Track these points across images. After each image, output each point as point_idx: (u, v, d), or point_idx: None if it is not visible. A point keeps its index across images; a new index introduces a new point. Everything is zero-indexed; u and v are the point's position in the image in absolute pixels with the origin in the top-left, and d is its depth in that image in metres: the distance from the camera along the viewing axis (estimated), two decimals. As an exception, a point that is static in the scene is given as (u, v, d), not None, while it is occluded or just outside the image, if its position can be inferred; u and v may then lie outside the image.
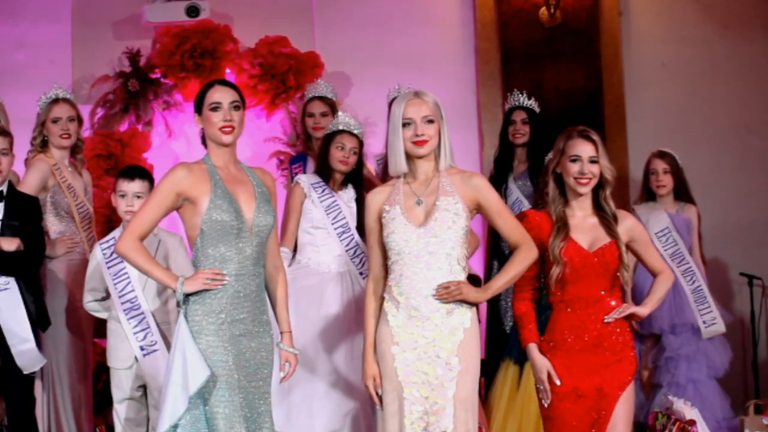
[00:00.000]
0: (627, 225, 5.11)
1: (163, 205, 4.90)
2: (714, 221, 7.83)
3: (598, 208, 5.09)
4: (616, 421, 5.00)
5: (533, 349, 5.08)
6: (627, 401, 5.03)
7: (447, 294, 4.84)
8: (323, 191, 6.57)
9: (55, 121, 6.78)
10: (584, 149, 5.04)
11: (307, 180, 6.60)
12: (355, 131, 6.65)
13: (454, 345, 4.88)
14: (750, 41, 8.86)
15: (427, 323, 4.87)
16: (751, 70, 8.86)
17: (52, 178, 6.67)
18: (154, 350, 6.01)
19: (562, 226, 5.05)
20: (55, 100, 6.82)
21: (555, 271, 5.02)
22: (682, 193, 7.45)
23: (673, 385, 7.22)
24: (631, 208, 7.24)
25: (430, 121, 4.94)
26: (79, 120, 6.92)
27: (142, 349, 6.02)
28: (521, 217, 5.15)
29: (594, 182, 5.05)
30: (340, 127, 6.65)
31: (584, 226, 5.07)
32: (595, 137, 5.07)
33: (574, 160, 5.05)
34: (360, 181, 6.69)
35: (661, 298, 5.21)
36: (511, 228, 5.01)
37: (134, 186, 6.02)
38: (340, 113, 6.83)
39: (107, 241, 6.14)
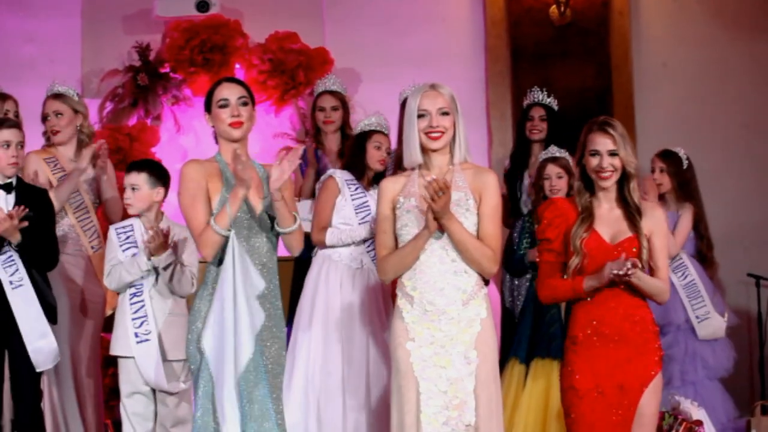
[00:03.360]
0: (653, 217, 5.02)
1: (204, 199, 4.91)
2: (721, 221, 7.82)
3: (624, 201, 5.01)
4: (644, 421, 4.94)
5: (588, 280, 4.90)
6: (653, 396, 4.95)
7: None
8: (356, 189, 6.58)
9: (44, 118, 6.82)
10: (603, 143, 4.94)
11: (341, 176, 6.61)
12: (386, 132, 6.71)
13: (472, 337, 4.89)
14: (758, 41, 8.86)
15: (443, 317, 4.88)
16: (759, 71, 8.85)
17: (43, 172, 6.68)
18: (146, 339, 6.03)
19: (587, 216, 4.97)
20: (47, 97, 6.85)
21: (573, 261, 4.94)
22: (680, 192, 7.39)
23: (671, 387, 7.20)
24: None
25: (446, 114, 4.94)
26: (75, 112, 6.86)
27: (136, 336, 6.04)
28: (549, 204, 5.12)
29: (616, 175, 4.96)
30: (378, 128, 6.68)
31: (609, 218, 4.98)
32: (615, 130, 4.96)
33: (593, 154, 4.97)
34: None
35: (647, 286, 4.93)
36: (491, 234, 4.96)
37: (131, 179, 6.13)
38: (374, 116, 6.85)
39: (123, 227, 6.21)
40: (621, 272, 4.78)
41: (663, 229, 5.05)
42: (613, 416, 4.92)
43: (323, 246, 6.54)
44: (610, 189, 4.99)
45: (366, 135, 6.67)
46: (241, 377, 4.84)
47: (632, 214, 4.97)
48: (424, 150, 4.97)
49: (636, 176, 4.99)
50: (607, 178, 4.95)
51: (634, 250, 4.92)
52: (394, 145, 7.88)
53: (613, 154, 4.94)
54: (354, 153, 6.69)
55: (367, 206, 6.55)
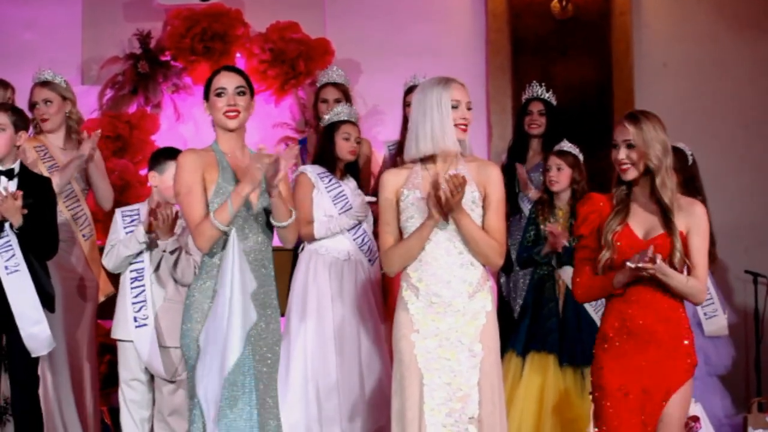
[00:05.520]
0: (692, 213, 4.82)
1: (200, 190, 4.90)
2: (720, 218, 7.78)
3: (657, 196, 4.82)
4: (667, 429, 4.75)
5: (617, 275, 4.73)
6: (680, 404, 4.77)
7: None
8: (330, 181, 6.59)
9: (33, 106, 6.80)
10: (621, 134, 4.80)
11: (313, 170, 6.61)
12: (355, 120, 6.69)
13: (477, 330, 4.90)
14: (760, 40, 8.86)
15: (449, 309, 4.89)
16: (760, 70, 8.85)
17: (34, 160, 6.67)
18: (144, 324, 6.06)
19: (621, 209, 4.82)
20: (35, 85, 6.83)
21: (604, 255, 4.79)
22: (685, 189, 7.38)
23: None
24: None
25: (470, 109, 4.98)
26: (64, 99, 6.83)
27: (135, 320, 6.07)
28: (586, 199, 5.01)
29: (635, 169, 4.79)
30: (344, 117, 6.68)
31: (644, 213, 4.82)
32: (636, 122, 4.79)
33: (614, 146, 4.83)
34: (358, 170, 6.77)
35: (678, 284, 4.73)
36: (497, 228, 4.97)
37: None
38: (340, 106, 6.85)
39: (130, 210, 6.28)
40: (636, 265, 4.62)
41: (702, 226, 4.85)
42: (637, 420, 4.75)
43: (312, 239, 6.55)
44: (642, 183, 4.83)
45: (334, 126, 6.67)
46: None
47: (664, 211, 4.78)
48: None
49: (662, 172, 4.78)
50: (624, 171, 4.81)
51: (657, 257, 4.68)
52: (383, 134, 7.92)
53: (629, 145, 4.79)
54: (323, 145, 6.71)
55: (344, 195, 6.58)
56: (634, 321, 4.78)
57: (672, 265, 4.72)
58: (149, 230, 6.04)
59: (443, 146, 4.93)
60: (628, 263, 4.66)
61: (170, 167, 6.07)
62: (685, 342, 4.80)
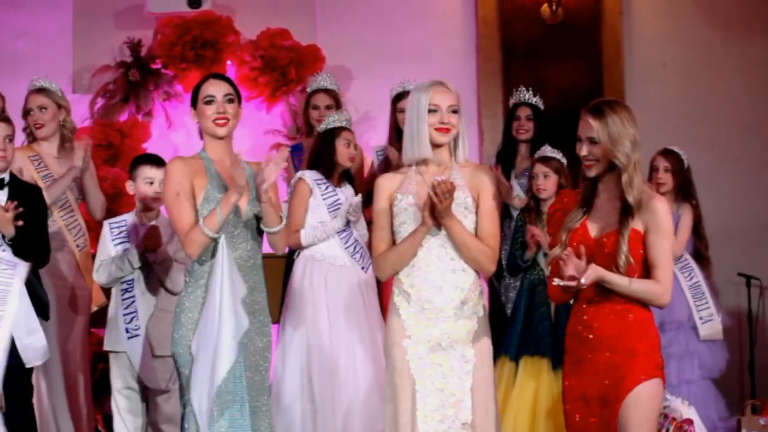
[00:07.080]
0: (649, 210, 4.47)
1: (189, 197, 4.90)
2: (713, 221, 7.81)
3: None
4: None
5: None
6: (637, 405, 4.42)
7: None
8: (326, 188, 6.59)
9: (27, 113, 6.79)
10: (584, 128, 4.49)
11: (311, 176, 6.61)
12: (351, 127, 6.70)
13: (469, 335, 4.87)
14: (750, 42, 8.87)
15: (440, 315, 4.86)
16: (751, 71, 8.86)
17: (27, 170, 6.66)
18: (136, 335, 6.07)
19: (582, 205, 4.57)
20: (30, 92, 6.83)
21: (555, 251, 4.56)
22: (680, 192, 7.39)
23: (666, 385, 7.17)
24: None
25: (455, 111, 4.90)
26: (59, 107, 6.84)
27: (127, 331, 6.09)
28: (557, 196, 4.89)
29: (599, 165, 4.49)
30: (344, 124, 6.67)
31: (604, 210, 4.54)
32: (600, 115, 4.46)
33: (578, 140, 4.53)
34: (352, 175, 6.76)
35: (619, 287, 4.46)
36: (490, 233, 4.92)
37: (161, 173, 6.11)
38: (337, 112, 6.86)
39: (117, 222, 6.28)
40: (557, 283, 4.43)
41: (662, 223, 4.50)
42: (598, 428, 4.52)
43: (300, 247, 6.55)
44: (607, 180, 4.53)
45: (334, 132, 6.66)
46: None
47: (624, 209, 4.46)
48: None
49: (630, 169, 4.44)
50: (588, 168, 4.53)
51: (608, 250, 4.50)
52: (374, 140, 7.90)
53: (592, 141, 4.48)
54: (322, 151, 6.69)
55: (339, 204, 6.57)
56: (588, 325, 4.54)
57: (616, 267, 4.45)
58: (142, 253, 6.05)
59: (419, 153, 4.90)
60: (555, 281, 4.46)
61: (142, 172, 6.14)
62: (643, 343, 4.54)
